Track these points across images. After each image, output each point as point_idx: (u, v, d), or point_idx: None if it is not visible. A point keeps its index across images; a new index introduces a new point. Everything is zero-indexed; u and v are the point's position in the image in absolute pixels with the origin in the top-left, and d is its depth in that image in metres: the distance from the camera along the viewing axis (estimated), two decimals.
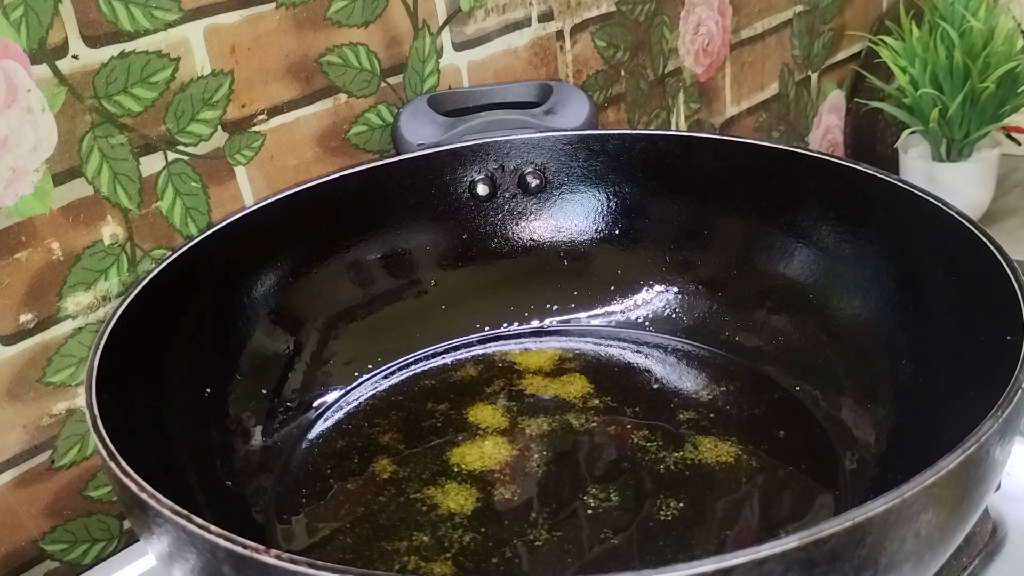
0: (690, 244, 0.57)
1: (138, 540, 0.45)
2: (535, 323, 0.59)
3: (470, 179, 0.58)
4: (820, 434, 0.48)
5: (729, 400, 0.51)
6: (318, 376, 0.54)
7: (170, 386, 0.45)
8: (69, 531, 0.55)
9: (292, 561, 0.27)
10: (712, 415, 0.50)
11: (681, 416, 0.50)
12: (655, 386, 0.53)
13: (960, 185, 0.91)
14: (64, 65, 0.50)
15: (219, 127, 0.57)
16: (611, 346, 0.57)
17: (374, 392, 0.54)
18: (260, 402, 0.50)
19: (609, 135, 0.58)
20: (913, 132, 0.92)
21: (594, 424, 0.50)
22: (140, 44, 0.52)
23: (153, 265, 0.46)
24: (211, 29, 0.55)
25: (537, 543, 0.42)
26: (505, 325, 0.59)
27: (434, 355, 0.57)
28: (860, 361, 0.49)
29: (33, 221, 0.50)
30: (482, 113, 0.60)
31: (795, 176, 0.53)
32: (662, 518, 0.43)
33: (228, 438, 0.48)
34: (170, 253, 0.47)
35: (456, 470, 0.47)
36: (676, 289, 0.58)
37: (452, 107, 0.63)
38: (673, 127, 0.88)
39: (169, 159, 0.55)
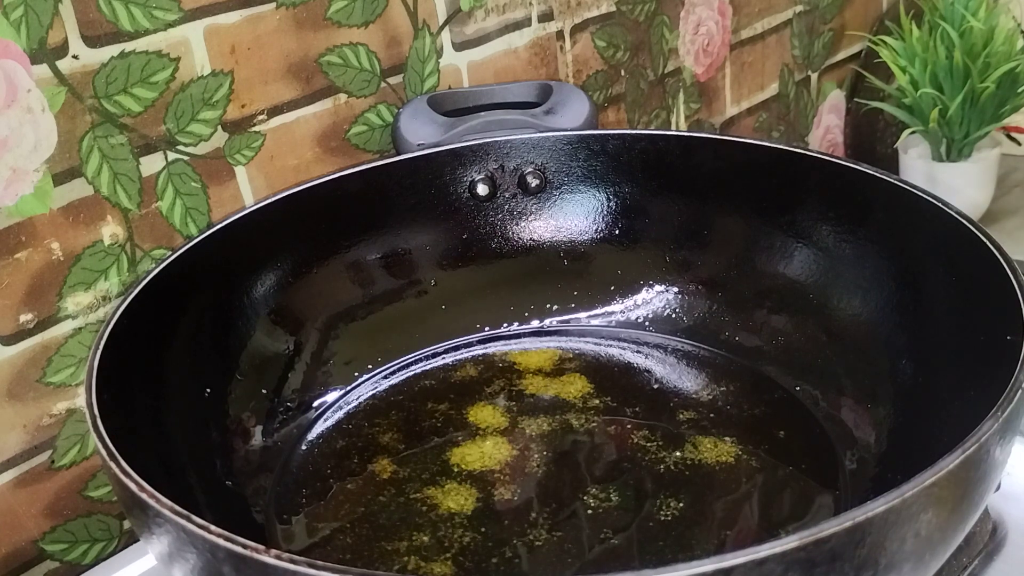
0: (690, 244, 0.57)
1: (138, 540, 0.45)
2: (535, 323, 0.59)
3: (470, 179, 0.58)
4: (820, 434, 0.48)
5: (729, 400, 0.51)
6: (318, 376, 0.54)
7: (170, 386, 0.45)
8: (69, 531, 0.55)
9: (292, 561, 0.27)
10: (712, 415, 0.50)
11: (681, 416, 0.50)
12: (655, 386, 0.53)
13: (960, 185, 0.91)
14: (64, 65, 0.50)
15: (219, 127, 0.57)
16: (611, 346, 0.57)
17: (374, 392, 0.54)
18: (260, 402, 0.50)
19: (609, 135, 0.58)
20: (913, 132, 0.92)
21: (594, 424, 0.50)
22: (140, 44, 0.52)
23: (153, 265, 0.46)
24: (211, 29, 0.55)
25: (537, 543, 0.42)
26: (505, 325, 0.59)
27: (434, 355, 0.57)
28: (860, 361, 0.49)
29: (33, 221, 0.50)
30: (482, 113, 0.60)
31: (795, 176, 0.53)
32: (662, 518, 0.43)
33: (228, 438, 0.48)
34: (170, 253, 0.47)
35: (456, 470, 0.47)
36: (676, 289, 0.58)
37: (452, 107, 0.63)
38: (673, 127, 0.88)
39: (169, 159, 0.55)
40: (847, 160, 0.51)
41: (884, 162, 1.03)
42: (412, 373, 0.55)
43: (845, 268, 0.51)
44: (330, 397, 0.53)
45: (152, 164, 0.54)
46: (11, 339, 0.51)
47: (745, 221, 0.55)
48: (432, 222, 0.58)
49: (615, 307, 0.59)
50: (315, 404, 0.53)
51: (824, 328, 0.51)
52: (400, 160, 0.57)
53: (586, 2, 0.76)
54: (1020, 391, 0.32)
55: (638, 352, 0.56)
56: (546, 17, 0.74)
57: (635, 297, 0.58)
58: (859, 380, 0.49)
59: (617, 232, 0.59)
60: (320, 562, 0.27)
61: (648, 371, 0.55)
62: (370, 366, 0.55)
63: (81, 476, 0.55)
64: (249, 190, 0.59)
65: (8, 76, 0.48)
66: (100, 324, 0.52)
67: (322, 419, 0.52)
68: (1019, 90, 0.88)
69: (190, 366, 0.47)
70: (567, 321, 0.59)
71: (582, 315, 0.59)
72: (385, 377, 0.55)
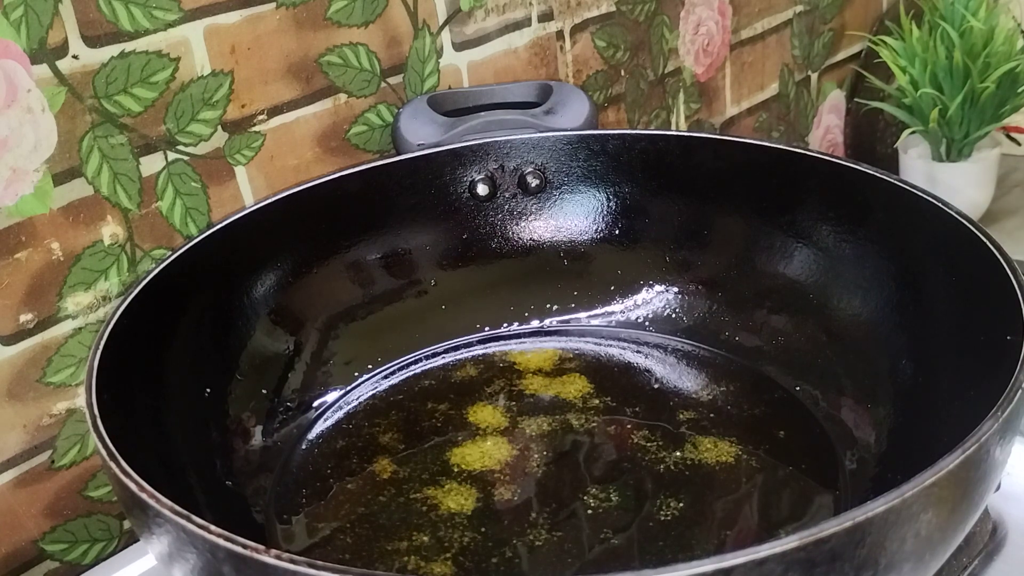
0: (690, 244, 0.57)
1: (138, 540, 0.45)
2: (535, 323, 0.59)
3: (470, 179, 0.58)
4: (820, 434, 0.48)
5: (729, 400, 0.51)
6: (318, 376, 0.54)
7: (170, 386, 0.45)
8: (69, 531, 0.55)
9: (292, 561, 0.27)
10: (712, 415, 0.50)
11: (681, 416, 0.50)
12: (655, 386, 0.53)
13: (960, 185, 0.91)
14: (64, 65, 0.50)
15: (219, 127, 0.57)
16: (611, 346, 0.57)
17: (374, 392, 0.54)
18: (260, 402, 0.50)
19: (609, 135, 0.58)
20: (913, 132, 0.92)
21: (594, 424, 0.50)
22: (140, 44, 0.52)
23: (153, 265, 0.46)
24: (211, 29, 0.55)
25: (537, 543, 0.42)
26: (505, 325, 0.59)
27: (434, 355, 0.57)
28: (860, 361, 0.49)
29: (33, 221, 0.50)
30: (482, 113, 0.60)
31: (795, 176, 0.53)
32: (662, 518, 0.43)
33: (228, 438, 0.48)
34: (170, 253, 0.47)
35: (456, 470, 0.47)
36: (676, 289, 0.58)
37: (452, 107, 0.63)
38: (673, 127, 0.88)
39: (169, 159, 0.55)
40: (847, 160, 0.51)
41: (884, 162, 1.03)
42: (412, 373, 0.55)
43: (845, 268, 0.51)
44: (330, 397, 0.53)
45: (152, 164, 0.54)
46: (11, 339, 0.51)
47: (745, 221, 0.55)
48: (432, 222, 0.58)
49: (615, 307, 0.59)
50: (315, 404, 0.53)
51: (824, 328, 0.51)
52: (400, 160, 0.57)
53: (586, 2, 0.76)
54: (1020, 391, 0.32)
55: (638, 352, 0.56)
56: (546, 17, 0.74)
57: (635, 297, 0.58)
58: (859, 380, 0.49)
59: (617, 232, 0.59)
60: (320, 562, 0.27)
61: (648, 371, 0.55)
62: (370, 366, 0.55)
63: (81, 476, 0.55)
64: (249, 190, 0.59)
65: (8, 76, 0.48)
66: (100, 324, 0.52)
67: (322, 419, 0.52)
68: (1019, 90, 0.88)
69: (190, 366, 0.47)
70: (567, 321, 0.59)
71: (582, 315, 0.59)
72: (385, 377, 0.55)
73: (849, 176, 0.50)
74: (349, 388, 0.54)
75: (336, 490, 0.47)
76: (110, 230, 0.53)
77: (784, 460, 0.47)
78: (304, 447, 0.50)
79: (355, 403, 0.53)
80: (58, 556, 0.55)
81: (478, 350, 0.57)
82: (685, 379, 0.54)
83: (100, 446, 0.34)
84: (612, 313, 0.59)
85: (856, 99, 1.07)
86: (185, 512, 0.30)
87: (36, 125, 0.49)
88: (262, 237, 0.52)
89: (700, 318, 0.57)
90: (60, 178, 0.51)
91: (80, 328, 0.53)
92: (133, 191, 0.54)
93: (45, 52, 0.49)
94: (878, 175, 0.49)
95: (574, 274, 0.59)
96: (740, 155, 0.55)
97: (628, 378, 0.54)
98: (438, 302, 0.58)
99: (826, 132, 1.10)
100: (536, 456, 0.48)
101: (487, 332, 0.58)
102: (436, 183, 0.58)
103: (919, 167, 0.93)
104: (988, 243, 0.41)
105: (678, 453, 0.47)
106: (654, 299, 0.58)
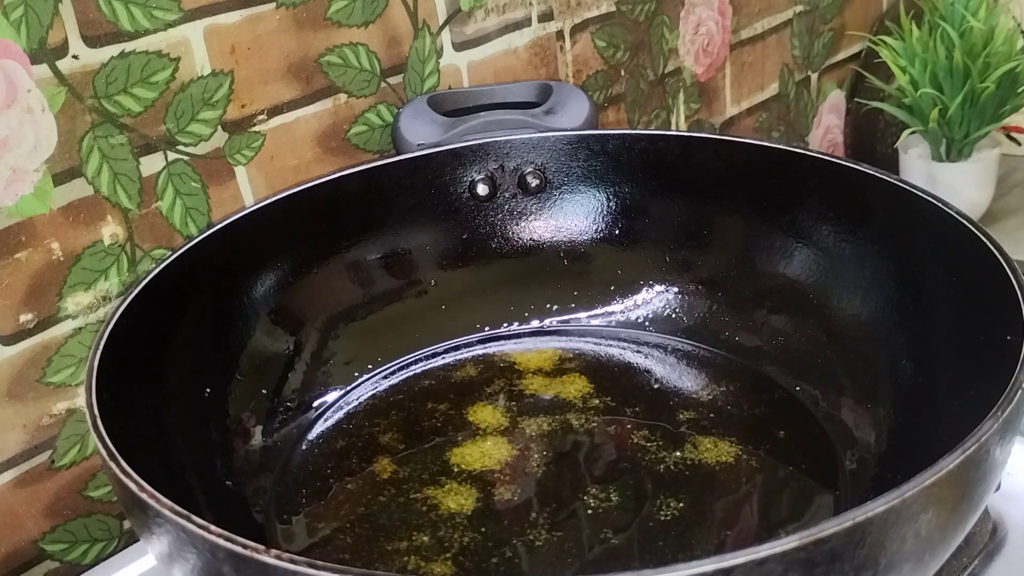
0: (690, 244, 0.57)
1: (138, 540, 0.45)
2: (535, 323, 0.59)
3: (470, 179, 0.58)
4: (820, 434, 0.48)
5: (729, 400, 0.51)
6: (318, 376, 0.54)
7: (170, 386, 0.45)
8: (69, 531, 0.55)
9: (292, 561, 0.27)
10: (712, 415, 0.50)
11: (681, 416, 0.50)
12: (655, 386, 0.53)
13: (960, 185, 0.91)
14: (64, 65, 0.50)
15: (219, 127, 0.57)
16: (611, 346, 0.57)
17: (374, 392, 0.54)
18: (260, 402, 0.50)
19: (609, 135, 0.58)
20: (913, 132, 0.92)
21: (594, 424, 0.50)
22: (140, 44, 0.52)
23: (153, 265, 0.46)
24: (211, 29, 0.55)
25: (537, 543, 0.42)
26: (505, 325, 0.59)
27: (434, 355, 0.57)
28: (860, 361, 0.49)
29: (33, 221, 0.50)
30: (482, 113, 0.60)
31: (795, 176, 0.53)
32: (662, 518, 0.43)
33: (228, 438, 0.48)
34: (170, 253, 0.47)
35: (456, 470, 0.47)
36: (676, 289, 0.58)
37: (452, 107, 0.63)
38: (673, 127, 0.88)
39: (169, 159, 0.55)
40: (847, 160, 0.51)
41: (884, 162, 1.03)
42: (412, 373, 0.55)
43: (845, 268, 0.51)
44: (330, 397, 0.53)
45: (152, 164, 0.54)
46: (11, 339, 0.51)
47: (745, 221, 0.55)
48: (432, 222, 0.58)
49: (615, 307, 0.59)
50: (315, 404, 0.53)
51: (824, 328, 0.51)
52: (400, 160, 0.57)
53: (586, 2, 0.76)
54: (1020, 391, 0.32)
55: (638, 352, 0.56)
56: (546, 17, 0.74)
57: (635, 297, 0.58)
58: (859, 380, 0.49)
59: (617, 232, 0.59)
60: (320, 562, 0.27)
61: (648, 371, 0.55)
62: (370, 366, 0.55)
63: (81, 476, 0.55)
64: (249, 190, 0.59)
65: (8, 76, 0.48)
66: (100, 324, 0.52)
67: (322, 419, 0.52)
68: (1019, 90, 0.88)
69: (190, 366, 0.47)
70: (567, 321, 0.59)
71: (582, 315, 0.59)
72: (385, 377, 0.55)
73: (849, 176, 0.50)
74: (349, 388, 0.54)
75: (336, 490, 0.47)
76: (110, 230, 0.53)
77: (784, 460, 0.47)
78: (304, 447, 0.50)
79: (355, 403, 0.53)
80: (58, 556, 0.55)
81: (478, 350, 0.57)
82: (685, 379, 0.54)
83: (100, 446, 0.34)
84: (612, 313, 0.59)
85: (856, 99, 1.07)
86: (185, 512, 0.30)
87: (36, 125, 0.49)
88: (262, 237, 0.52)
89: (700, 318, 0.57)
90: (60, 178, 0.51)
91: (80, 328, 0.53)
92: (133, 191, 0.54)
93: (45, 52, 0.49)
94: (878, 175, 0.49)
95: (574, 274, 0.59)
96: (740, 155, 0.55)
97: (628, 378, 0.54)
98: (438, 302, 0.58)
99: (826, 132, 1.10)
100: (536, 456, 0.48)
101: (487, 332, 0.58)
102: (436, 183, 0.58)
103: (919, 167, 0.93)
104: (988, 243, 0.41)
105: (678, 453, 0.47)
106: (654, 299, 0.58)
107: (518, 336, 0.58)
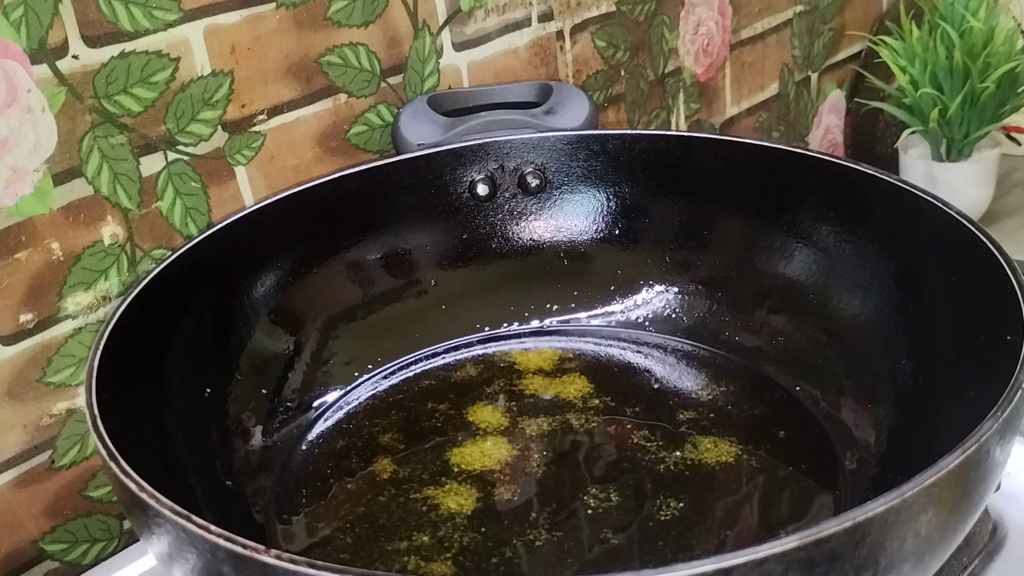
0: (690, 244, 0.57)
1: (138, 540, 0.45)
2: (535, 323, 0.59)
3: (470, 179, 0.58)
4: (820, 434, 0.48)
5: (729, 400, 0.51)
6: (318, 376, 0.54)
7: (170, 386, 0.45)
8: (69, 531, 0.55)
9: (292, 561, 0.27)
10: (712, 415, 0.50)
11: (681, 416, 0.50)
12: (655, 386, 0.53)
13: (960, 185, 0.91)
14: (64, 65, 0.50)
15: (219, 127, 0.57)
16: (611, 346, 0.57)
17: (374, 392, 0.54)
18: (260, 402, 0.50)
19: (609, 135, 0.58)
20: (913, 132, 0.92)
21: (594, 424, 0.50)
22: (140, 44, 0.52)
23: (153, 265, 0.46)
24: (211, 29, 0.55)
25: (537, 543, 0.42)
26: (505, 325, 0.59)
27: (434, 355, 0.57)
28: (860, 361, 0.49)
29: (33, 221, 0.50)
30: (482, 113, 0.60)
31: (795, 176, 0.53)
32: (662, 518, 0.43)
33: (228, 438, 0.48)
34: (170, 253, 0.47)
35: (456, 470, 0.47)
36: (676, 289, 0.58)
37: (452, 107, 0.63)
38: (673, 127, 0.88)
39: (169, 159, 0.55)
40: (847, 160, 0.51)
41: (884, 162, 1.03)
42: (412, 373, 0.55)
43: (845, 268, 0.51)
44: (330, 397, 0.53)
45: (152, 164, 0.54)
46: (11, 339, 0.51)
47: (745, 221, 0.55)
48: (432, 222, 0.58)
49: (615, 307, 0.59)
50: (315, 404, 0.53)
51: (824, 328, 0.51)
52: (400, 160, 0.57)
53: (586, 2, 0.76)
54: (1020, 391, 0.32)
55: (638, 352, 0.56)
56: (546, 17, 0.74)
57: (635, 297, 0.58)
58: (859, 380, 0.49)
59: (617, 232, 0.59)
60: (320, 562, 0.27)
61: (648, 371, 0.55)
62: (370, 366, 0.55)
63: (81, 476, 0.55)
64: (249, 190, 0.59)
65: (8, 76, 0.48)
66: (100, 324, 0.52)
67: (322, 419, 0.52)
68: (1019, 90, 0.88)
69: (190, 366, 0.47)
70: (567, 321, 0.59)
71: (582, 315, 0.59)
72: (385, 377, 0.55)
73: (849, 176, 0.50)
74: (349, 388, 0.54)
75: (336, 490, 0.47)
76: (110, 230, 0.53)
77: (784, 460, 0.47)
78: (304, 447, 0.50)
79: (355, 403, 0.53)
80: (58, 556, 0.55)
81: (478, 350, 0.57)
82: (685, 379, 0.54)
83: (100, 446, 0.34)
84: (612, 313, 0.59)
85: (856, 99, 1.07)
86: (185, 512, 0.30)
87: (36, 125, 0.49)
88: (262, 237, 0.52)
89: (700, 318, 0.57)
90: (60, 178, 0.51)
91: (80, 328, 0.53)
92: (133, 191, 0.54)
93: (45, 52, 0.49)
94: (878, 175, 0.49)
95: (574, 274, 0.59)
96: (740, 155, 0.55)
97: (628, 378, 0.54)
98: (438, 302, 0.58)
99: (826, 132, 1.10)
100: (536, 456, 0.48)
101: (487, 332, 0.58)
102: (436, 183, 0.58)
103: (919, 167, 0.93)
104: (988, 243, 0.41)
105: (678, 453, 0.47)
106: (654, 299, 0.58)
107: (518, 336, 0.58)
